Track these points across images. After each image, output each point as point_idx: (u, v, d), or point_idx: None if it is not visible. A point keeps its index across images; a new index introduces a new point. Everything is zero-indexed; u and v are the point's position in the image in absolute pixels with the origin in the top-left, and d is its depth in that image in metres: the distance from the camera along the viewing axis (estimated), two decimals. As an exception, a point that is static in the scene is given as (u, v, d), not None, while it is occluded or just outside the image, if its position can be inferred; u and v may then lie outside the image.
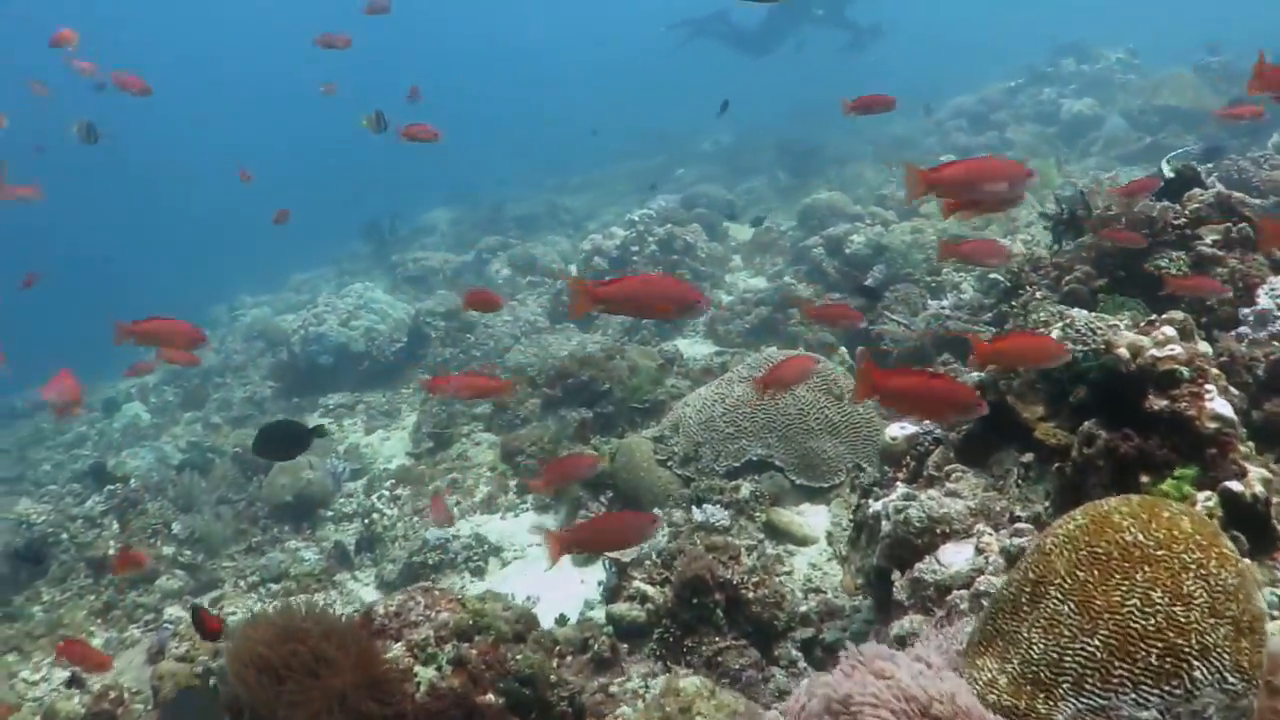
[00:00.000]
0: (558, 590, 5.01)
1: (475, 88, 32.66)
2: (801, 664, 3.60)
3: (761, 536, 4.81)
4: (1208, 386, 2.81)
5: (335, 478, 7.03)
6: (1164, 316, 3.14)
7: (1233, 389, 3.11)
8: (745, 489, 5.09)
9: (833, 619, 3.92)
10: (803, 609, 3.85)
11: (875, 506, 3.40)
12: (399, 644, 2.83)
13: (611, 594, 3.91)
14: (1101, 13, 20.77)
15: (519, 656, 2.90)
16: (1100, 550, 1.70)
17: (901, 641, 2.87)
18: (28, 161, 10.49)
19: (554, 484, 5.07)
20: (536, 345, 9.25)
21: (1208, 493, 2.64)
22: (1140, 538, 1.69)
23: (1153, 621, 1.60)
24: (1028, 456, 3.12)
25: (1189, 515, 1.74)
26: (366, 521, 6.26)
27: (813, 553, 4.80)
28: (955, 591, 2.80)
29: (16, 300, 8.95)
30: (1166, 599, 1.61)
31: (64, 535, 6.35)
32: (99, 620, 5.62)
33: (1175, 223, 4.25)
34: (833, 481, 5.26)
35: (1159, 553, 1.66)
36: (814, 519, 5.08)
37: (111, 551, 6.13)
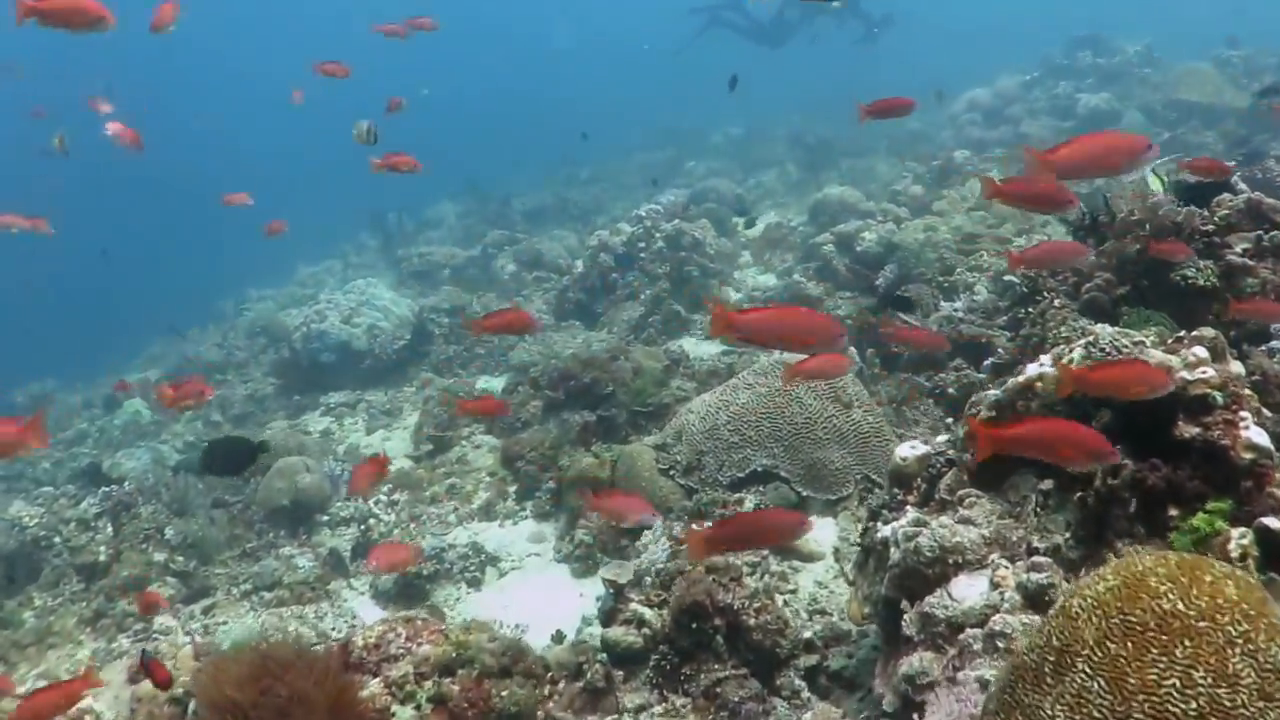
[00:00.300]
0: (556, 604, 4.86)
1: (485, 80, 32.46)
2: (805, 694, 3.44)
3: (766, 552, 4.64)
4: (1243, 413, 2.62)
5: (334, 480, 6.88)
6: (1194, 334, 2.95)
7: (1265, 410, 2.92)
8: (749, 501, 4.93)
9: (838, 644, 3.75)
10: (807, 634, 3.68)
11: (884, 531, 3.22)
12: (377, 680, 2.68)
13: (608, 617, 3.74)
14: (1119, 4, 20.40)
15: (505, 693, 2.74)
16: (1135, 620, 1.52)
17: (910, 681, 2.70)
18: (34, 164, 10.40)
19: (603, 515, 4.67)
20: (541, 343, 9.07)
21: (1242, 529, 2.46)
22: (1180, 606, 1.51)
23: (1194, 705, 1.43)
24: (1047, 483, 2.92)
25: (1234, 579, 1.56)
26: (363, 527, 6.11)
27: (819, 569, 4.62)
28: (968, 630, 2.63)
29: (15, 298, 8.86)
30: (1210, 679, 1.44)
31: (56, 539, 6.21)
32: (88, 629, 5.50)
33: (1204, 229, 4.05)
34: (840, 493, 5.08)
35: (1201, 624, 1.49)
36: (821, 533, 4.89)
37: (103, 558, 6.00)
